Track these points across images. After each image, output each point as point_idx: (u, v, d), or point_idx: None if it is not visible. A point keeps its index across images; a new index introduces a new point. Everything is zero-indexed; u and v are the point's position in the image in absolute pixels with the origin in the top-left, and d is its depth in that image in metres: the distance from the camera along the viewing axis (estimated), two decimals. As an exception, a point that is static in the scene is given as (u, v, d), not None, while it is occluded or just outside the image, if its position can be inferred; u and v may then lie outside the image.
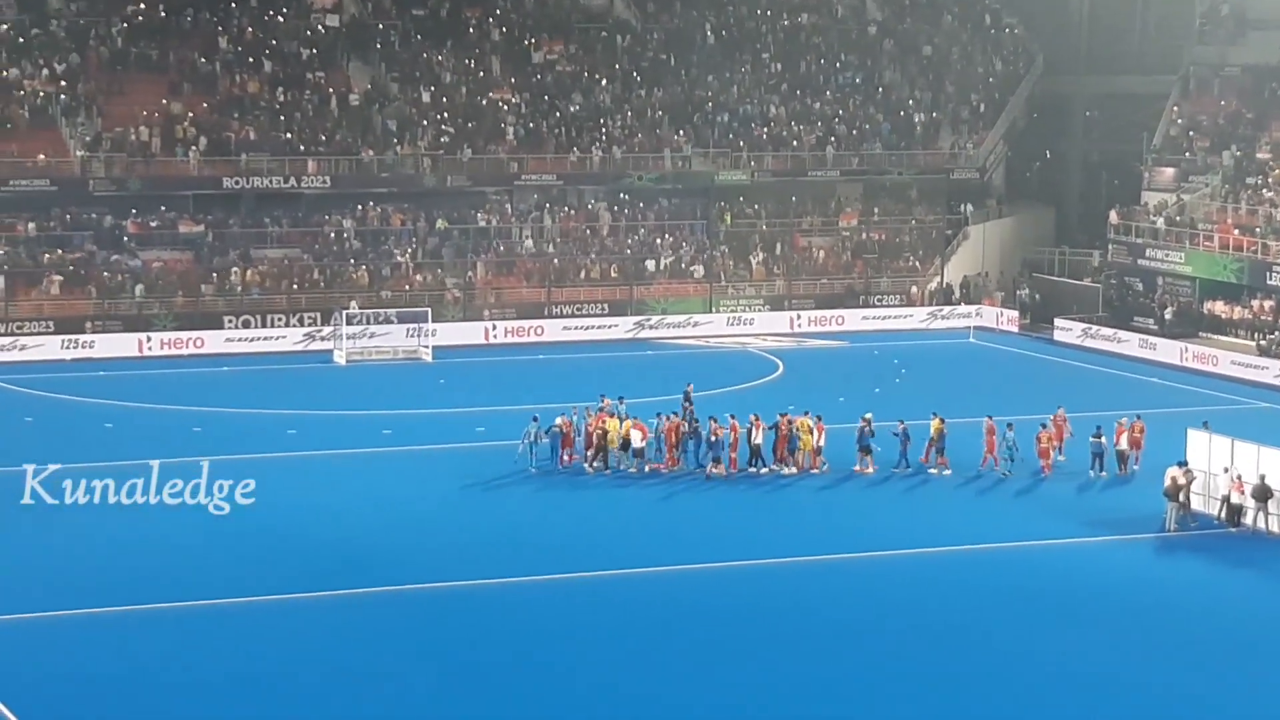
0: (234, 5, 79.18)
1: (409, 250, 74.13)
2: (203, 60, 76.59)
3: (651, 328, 73.30)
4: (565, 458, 47.82)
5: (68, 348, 66.16)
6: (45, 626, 34.61)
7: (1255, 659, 33.79)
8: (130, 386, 60.05)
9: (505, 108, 78.51)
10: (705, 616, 35.81)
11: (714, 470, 47.14)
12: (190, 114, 74.08)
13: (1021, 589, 37.90)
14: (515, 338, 71.33)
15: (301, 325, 69.81)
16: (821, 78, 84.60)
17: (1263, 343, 67.09)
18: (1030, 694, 31.72)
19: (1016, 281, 79.71)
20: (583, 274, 75.26)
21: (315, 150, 73.98)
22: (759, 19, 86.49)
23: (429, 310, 68.90)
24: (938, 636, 34.69)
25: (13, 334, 66.69)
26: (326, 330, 68.46)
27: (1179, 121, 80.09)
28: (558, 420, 48.02)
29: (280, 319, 70.08)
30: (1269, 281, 69.01)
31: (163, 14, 77.77)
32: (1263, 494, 41.84)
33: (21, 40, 75.18)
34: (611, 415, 48.63)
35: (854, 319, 75.66)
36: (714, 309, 75.36)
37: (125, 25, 76.92)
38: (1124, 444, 48.13)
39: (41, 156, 70.71)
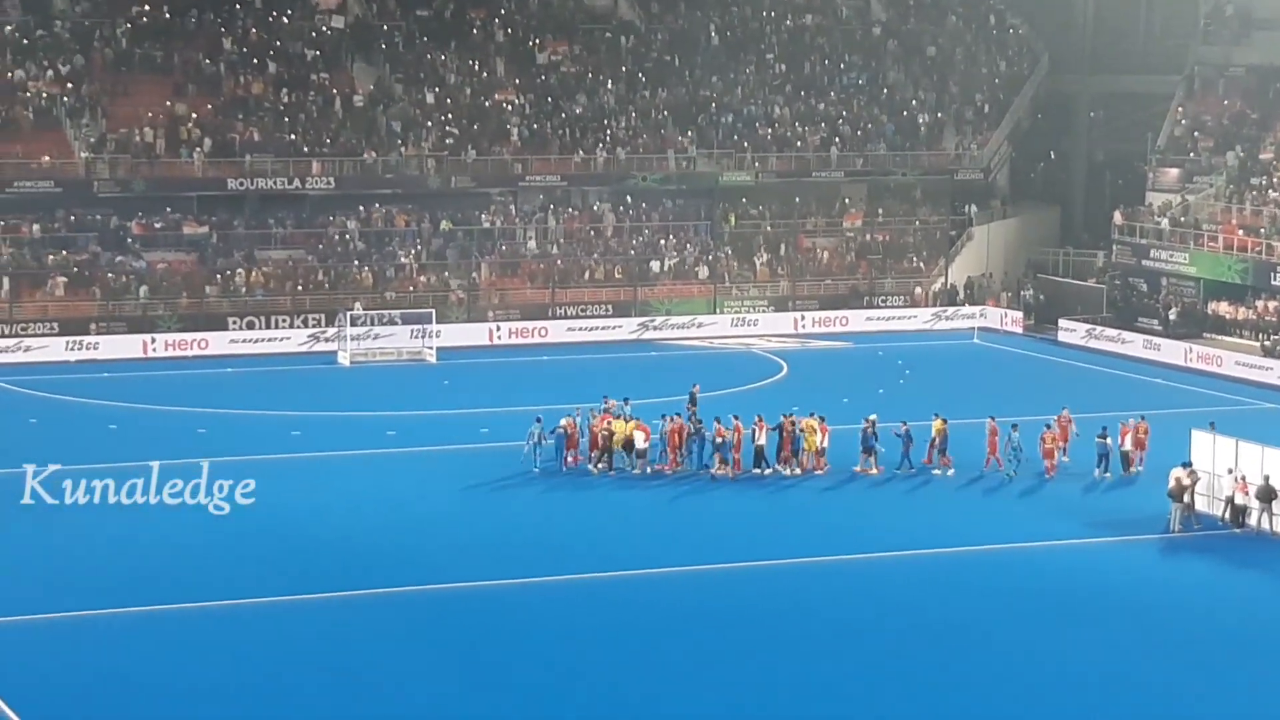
0: (238, 6, 79.24)
1: (413, 251, 74.16)
2: (207, 61, 76.64)
3: (656, 329, 73.29)
4: (570, 459, 47.79)
5: (72, 349, 66.19)
6: (45, 627, 34.60)
7: (1258, 660, 33.77)
8: (135, 388, 60.08)
9: (509, 109, 78.52)
10: (709, 617, 35.80)
11: (719, 471, 47.12)
12: (195, 115, 74.11)
13: (1025, 590, 37.88)
14: (519, 339, 71.34)
15: (306, 326, 69.84)
16: (826, 78, 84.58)
17: (1267, 343, 67.02)
18: (1035, 694, 31.70)
19: (1021, 282, 79.68)
20: (587, 275, 75.27)
21: (320, 151, 74.01)
22: (763, 20, 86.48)
23: (433, 311, 68.94)
24: (942, 637, 34.67)
25: (17, 335, 66.74)
26: (331, 331, 68.47)
27: (1183, 122, 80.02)
28: (563, 421, 47.99)
29: (284, 320, 70.13)
30: (1273, 282, 68.95)
31: (167, 15, 77.82)
32: (1267, 495, 41.79)
33: (26, 41, 75.25)
34: (617, 417, 48.63)
35: (858, 320, 75.64)
36: (718, 310, 75.33)
37: (130, 26, 76.96)
38: (1128, 445, 48.13)
39: (46, 158, 70.76)
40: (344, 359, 66.46)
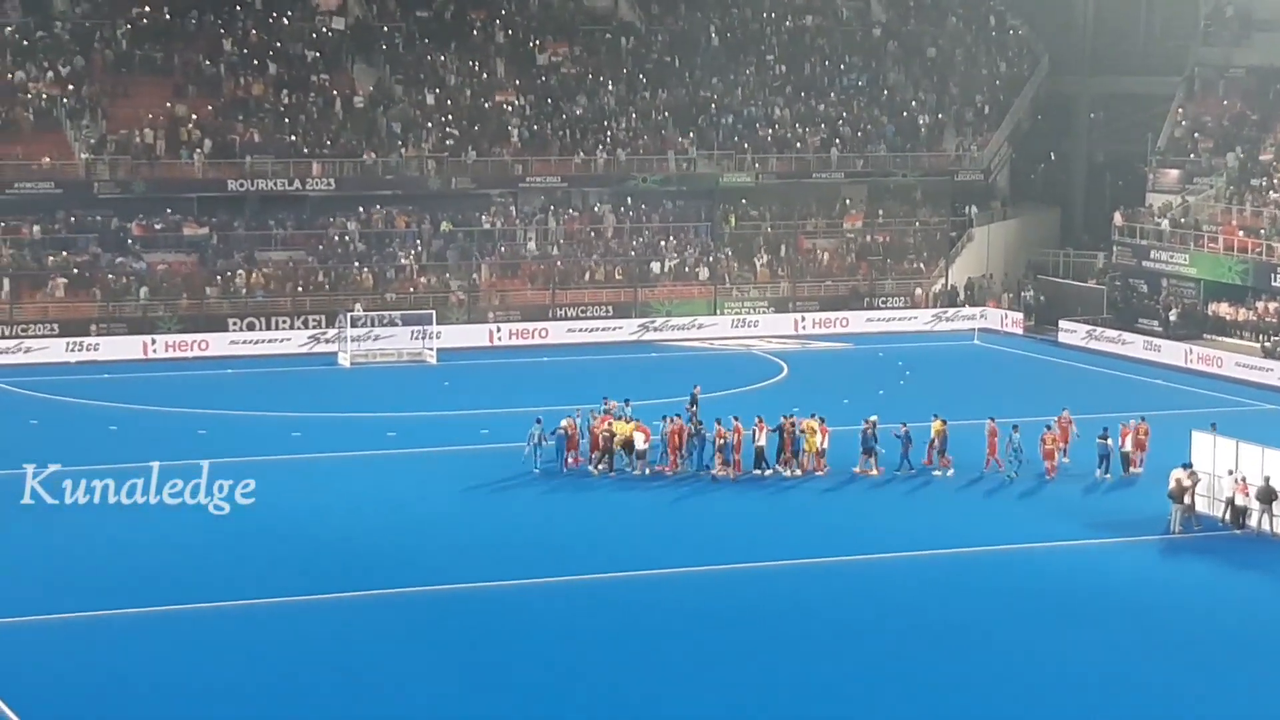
0: (239, 8, 79.24)
1: (413, 252, 74.16)
2: (207, 63, 76.64)
3: (656, 330, 73.28)
4: (570, 460, 47.79)
5: (72, 350, 66.18)
6: (45, 627, 34.59)
7: (1259, 661, 33.76)
8: (135, 389, 60.07)
9: (510, 110, 78.53)
10: (709, 618, 35.80)
11: (720, 472, 47.11)
12: (195, 116, 74.11)
13: (1025, 591, 37.89)
14: (520, 340, 71.33)
15: (306, 328, 69.84)
16: (826, 79, 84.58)
17: (1267, 344, 67.03)
18: (1035, 695, 31.69)
19: (1021, 283, 79.68)
20: (587, 276, 75.28)
21: (320, 153, 74.01)
22: (763, 21, 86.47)
23: (433, 313, 68.94)
24: (942, 638, 34.67)
25: (18, 336, 66.75)
26: (331, 333, 68.47)
27: (1183, 123, 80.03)
28: (563, 423, 47.99)
29: (285, 321, 70.14)
30: (1273, 283, 68.96)
31: (167, 16, 77.78)
32: (1267, 496, 41.78)
33: (26, 43, 75.24)
34: (618, 418, 48.62)
35: (858, 321, 75.65)
36: (718, 311, 75.34)
37: (130, 28, 76.94)
38: (1129, 446, 48.14)
39: (46, 159, 70.76)
40: (344, 360, 66.45)
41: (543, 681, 32.02)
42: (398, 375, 64.76)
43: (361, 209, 74.80)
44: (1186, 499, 42.39)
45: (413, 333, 67.80)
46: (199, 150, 72.61)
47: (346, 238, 74.05)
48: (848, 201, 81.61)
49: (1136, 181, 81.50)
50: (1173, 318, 71.74)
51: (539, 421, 47.86)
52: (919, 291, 78.92)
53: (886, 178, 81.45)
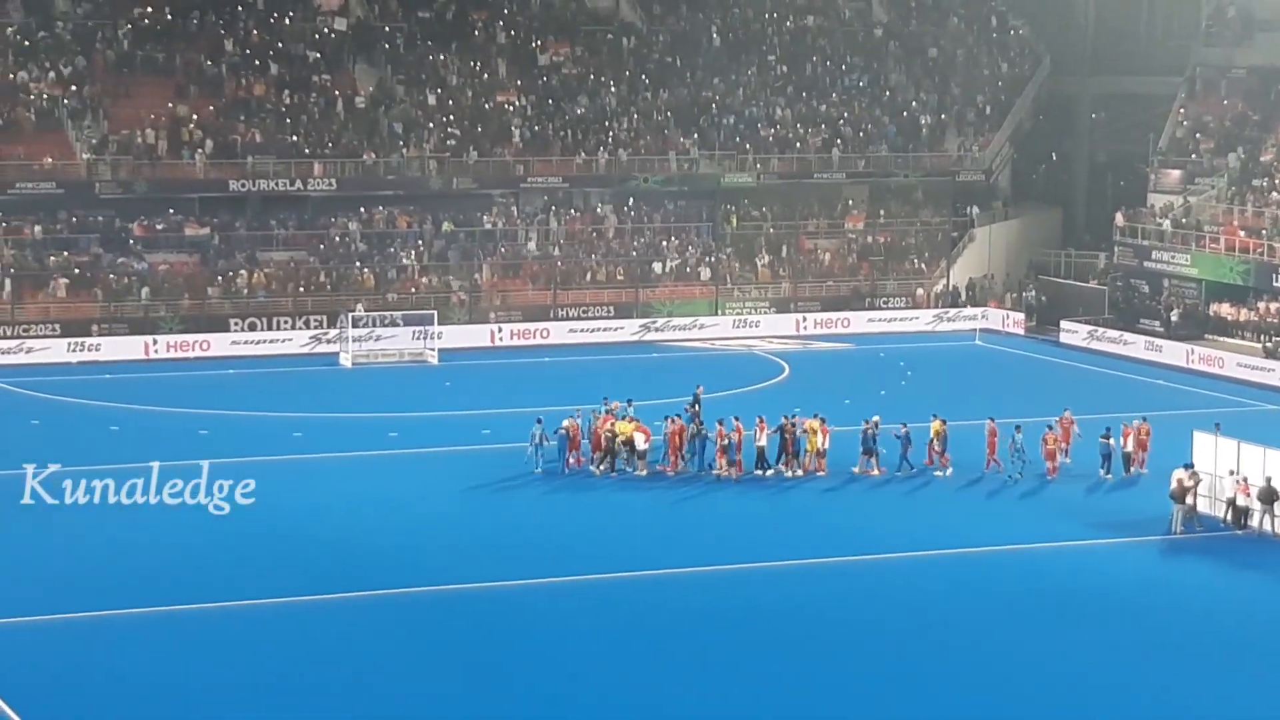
0: (240, 8, 79.26)
1: (415, 253, 74.16)
2: (209, 63, 76.66)
3: (657, 330, 73.29)
4: (572, 460, 47.79)
5: (74, 350, 66.20)
6: (45, 627, 34.59)
7: (1260, 661, 33.75)
8: (136, 389, 60.08)
9: (511, 110, 78.54)
10: (710, 618, 35.79)
11: (724, 472, 47.08)
12: (196, 116, 74.13)
13: (1026, 591, 37.88)
14: (521, 340, 71.34)
15: (307, 328, 69.84)
16: (827, 80, 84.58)
17: (1269, 345, 67.02)
18: (1036, 696, 31.68)
19: (1022, 284, 79.67)
20: (588, 276, 75.29)
21: (321, 153, 74.03)
22: (765, 21, 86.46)
23: (435, 313, 68.95)
24: (943, 639, 34.66)
25: (19, 336, 66.76)
26: (333, 333, 68.47)
27: (1185, 123, 80.00)
28: (565, 423, 47.98)
29: (286, 322, 70.15)
30: (1275, 284, 68.95)
31: (169, 17, 77.79)
32: (1269, 496, 41.76)
33: (28, 43, 75.25)
34: (620, 418, 48.61)
35: (860, 321, 75.65)
36: (720, 311, 75.34)
37: (131, 28, 76.95)
38: (1130, 446, 48.12)
39: (48, 159, 70.79)
40: (346, 360, 66.45)
41: (544, 682, 32.01)
42: (399, 375, 64.77)
43: (363, 209, 74.81)
44: (1188, 499, 42.38)
45: (414, 333, 67.82)
46: (200, 150, 72.62)
47: (348, 238, 74.06)
48: (849, 202, 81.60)
49: (1138, 182, 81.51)
50: (1174, 318, 71.74)
51: (539, 422, 47.86)
52: (920, 292, 78.92)
53: (888, 178, 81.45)
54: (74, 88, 73.82)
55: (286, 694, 31.36)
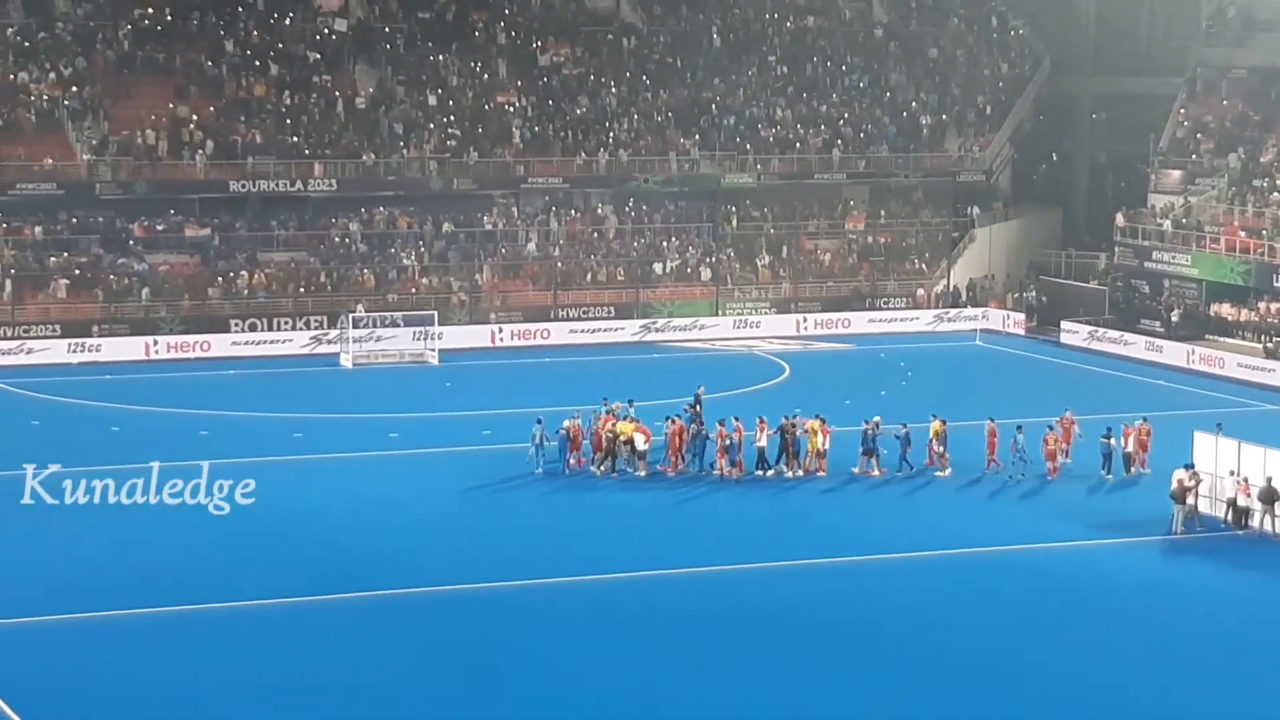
0: (240, 9, 79.26)
1: (415, 253, 74.16)
2: (209, 64, 76.66)
3: (658, 331, 73.29)
4: (573, 461, 47.78)
5: (74, 351, 66.20)
6: (45, 628, 34.59)
7: (1261, 661, 33.74)
8: (137, 390, 60.10)
9: (511, 111, 78.54)
10: (711, 619, 35.78)
11: (726, 472, 47.05)
12: (196, 117, 74.14)
13: (1027, 591, 37.87)
14: (521, 341, 71.34)
15: (308, 328, 69.84)
16: (827, 80, 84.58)
17: (1269, 345, 67.02)
18: (1036, 696, 31.68)
19: (1023, 284, 79.67)
20: (589, 277, 75.29)
21: (322, 153, 74.03)
22: (765, 22, 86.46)
23: (435, 313, 68.96)
24: (943, 639, 34.66)
25: (20, 337, 66.77)
26: (333, 333, 68.46)
27: (1185, 124, 79.99)
28: (565, 423, 47.99)
29: (287, 322, 70.15)
30: (1275, 284, 68.94)
31: (169, 17, 77.81)
32: (1269, 496, 41.75)
33: (28, 44, 75.26)
34: (621, 419, 48.59)
35: (860, 322, 75.65)
36: (720, 312, 75.33)
37: (131, 29, 76.96)
38: (1131, 446, 48.11)
39: (48, 160, 70.77)
40: (346, 361, 66.45)
41: (544, 682, 32.01)
42: (399, 376, 64.76)
43: (363, 210, 74.81)
44: (1189, 499, 42.37)
45: (415, 333, 67.82)
46: (201, 151, 72.62)
47: (348, 239, 74.06)
48: (849, 202, 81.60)
49: (1138, 182, 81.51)
50: (1175, 318, 71.73)
51: (540, 422, 47.86)
52: (921, 292, 78.91)
53: (888, 178, 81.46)
54: (74, 88, 73.82)
55: (286, 694, 31.36)
